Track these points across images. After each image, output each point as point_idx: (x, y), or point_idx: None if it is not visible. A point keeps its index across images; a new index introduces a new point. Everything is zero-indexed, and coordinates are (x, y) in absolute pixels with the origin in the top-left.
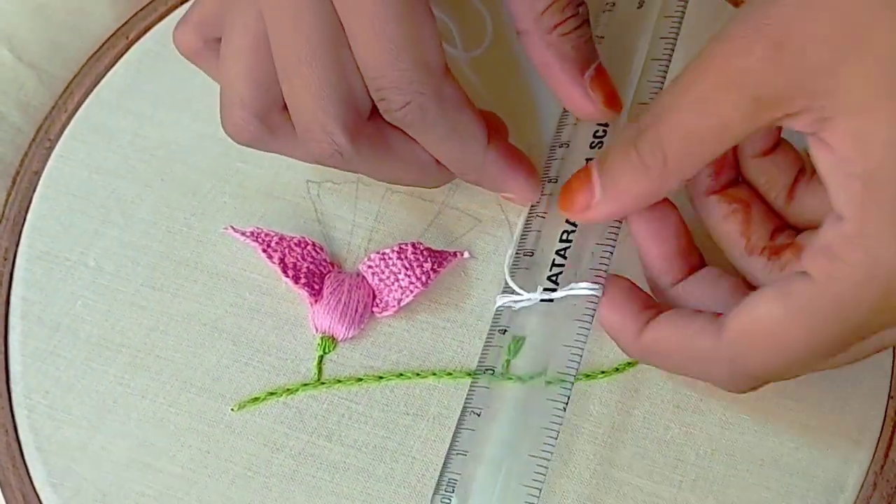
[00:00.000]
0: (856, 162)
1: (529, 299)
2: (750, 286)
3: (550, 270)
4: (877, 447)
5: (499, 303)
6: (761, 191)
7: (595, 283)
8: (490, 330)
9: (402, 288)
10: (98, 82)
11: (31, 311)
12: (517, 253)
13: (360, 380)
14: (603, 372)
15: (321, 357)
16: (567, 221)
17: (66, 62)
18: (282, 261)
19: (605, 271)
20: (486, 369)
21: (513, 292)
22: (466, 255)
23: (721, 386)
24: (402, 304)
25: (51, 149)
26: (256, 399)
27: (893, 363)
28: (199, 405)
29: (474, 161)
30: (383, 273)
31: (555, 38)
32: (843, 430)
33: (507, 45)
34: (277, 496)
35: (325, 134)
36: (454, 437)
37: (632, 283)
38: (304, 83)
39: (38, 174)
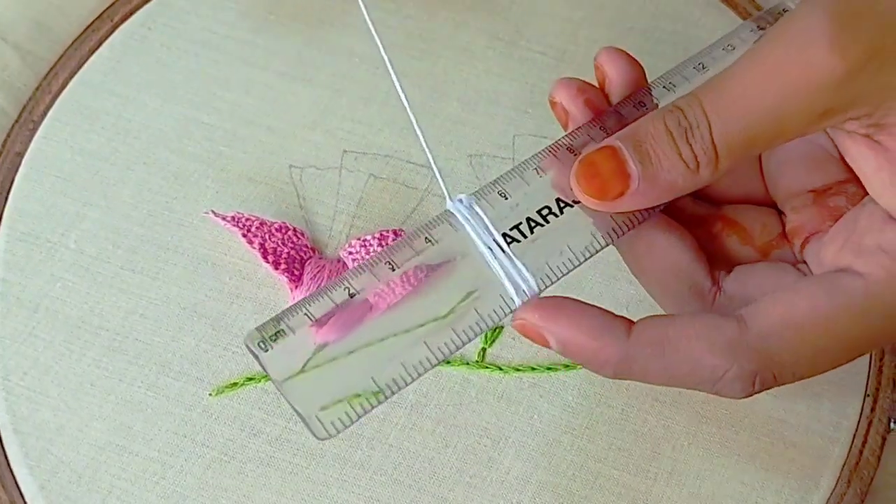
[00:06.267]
0: None
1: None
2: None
3: (511, 224)
4: (852, 444)
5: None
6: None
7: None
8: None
9: None
10: (82, 64)
11: (11, 292)
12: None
13: None
14: None
15: None
16: (558, 201)
17: (51, 44)
18: (262, 246)
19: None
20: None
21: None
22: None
23: (724, 388)
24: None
25: (34, 130)
26: (235, 384)
27: (870, 360)
28: (176, 389)
29: None
30: (364, 260)
31: None
32: (818, 426)
33: None
34: (253, 481)
35: None
36: None
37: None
38: None
39: (20, 155)
